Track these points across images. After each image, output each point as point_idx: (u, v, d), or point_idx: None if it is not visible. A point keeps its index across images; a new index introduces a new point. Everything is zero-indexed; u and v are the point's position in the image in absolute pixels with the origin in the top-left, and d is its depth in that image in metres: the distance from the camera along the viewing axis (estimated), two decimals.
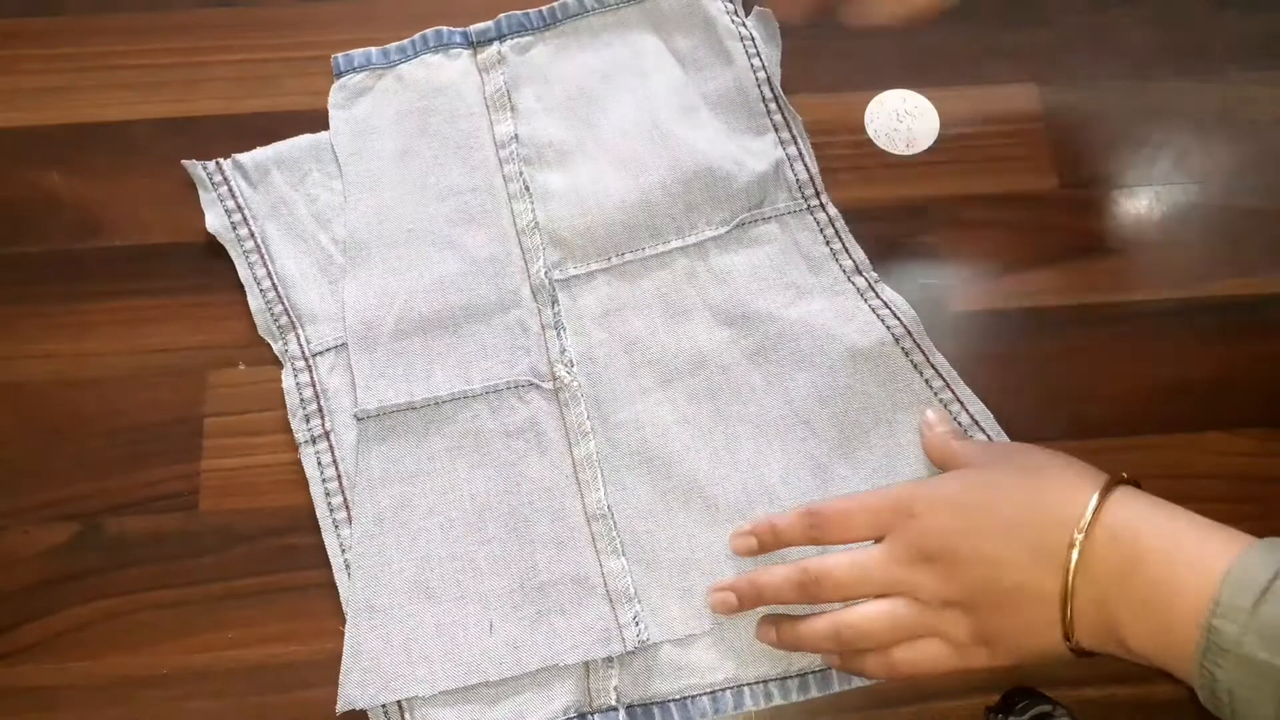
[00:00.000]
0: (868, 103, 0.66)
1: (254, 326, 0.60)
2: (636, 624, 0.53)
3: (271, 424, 0.58)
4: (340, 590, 0.55)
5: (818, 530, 0.52)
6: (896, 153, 0.65)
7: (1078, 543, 0.45)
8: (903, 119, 0.66)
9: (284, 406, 0.58)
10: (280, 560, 0.56)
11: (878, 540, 0.51)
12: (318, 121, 0.65)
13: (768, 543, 0.54)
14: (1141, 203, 0.64)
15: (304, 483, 0.57)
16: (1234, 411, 0.59)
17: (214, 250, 0.62)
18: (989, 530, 0.47)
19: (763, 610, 0.54)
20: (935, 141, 0.65)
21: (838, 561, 0.50)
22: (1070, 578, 0.45)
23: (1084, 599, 0.45)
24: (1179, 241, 0.63)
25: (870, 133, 0.66)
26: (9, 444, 0.58)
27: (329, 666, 0.53)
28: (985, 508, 0.48)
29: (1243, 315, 0.61)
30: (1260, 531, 0.43)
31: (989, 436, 0.57)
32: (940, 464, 0.55)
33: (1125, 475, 0.47)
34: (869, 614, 0.50)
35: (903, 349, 0.59)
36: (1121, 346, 0.61)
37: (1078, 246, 0.63)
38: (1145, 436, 0.58)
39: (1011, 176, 0.65)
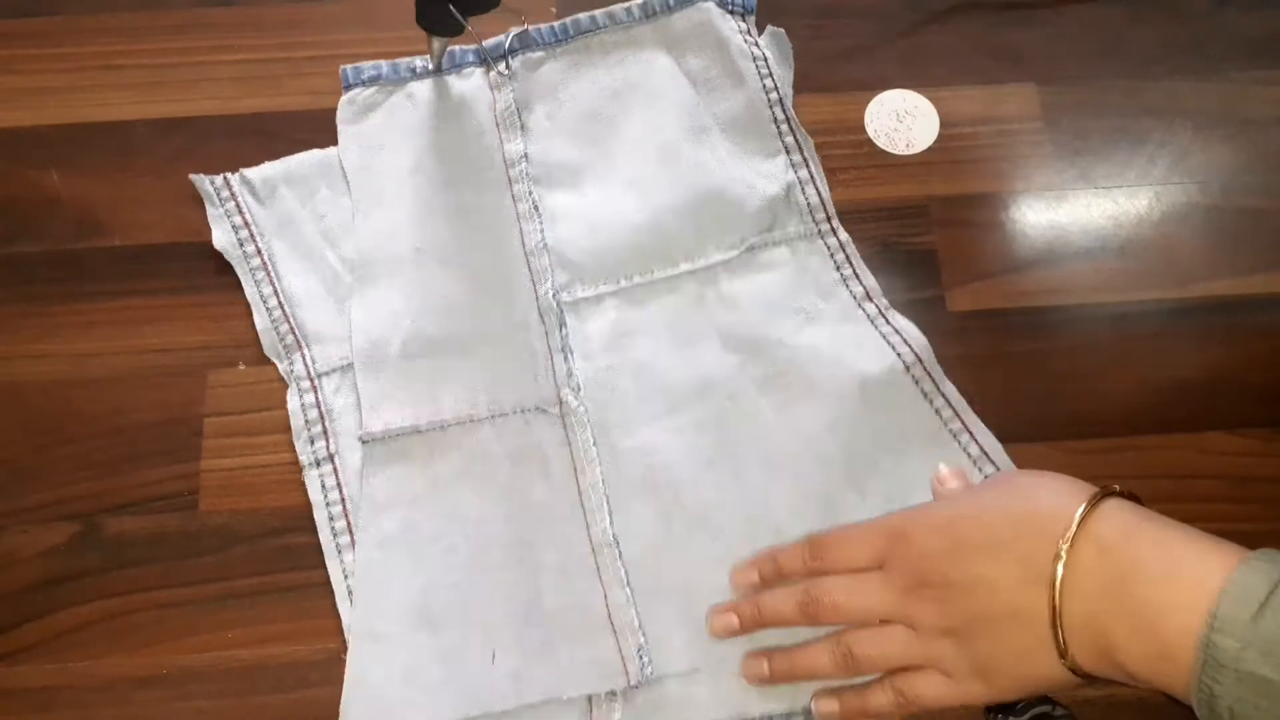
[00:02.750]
0: (868, 103, 0.66)
1: (254, 326, 0.60)
2: (641, 657, 0.52)
3: (271, 424, 0.58)
4: (342, 616, 0.54)
5: (818, 560, 0.51)
6: (896, 152, 0.65)
7: (1063, 554, 0.44)
8: (903, 119, 0.66)
9: (284, 405, 0.58)
10: (280, 560, 0.56)
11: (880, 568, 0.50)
12: (317, 121, 0.65)
13: (769, 576, 0.53)
14: (1141, 203, 0.64)
15: (304, 483, 0.57)
16: (1234, 411, 0.59)
17: (213, 250, 0.62)
18: (978, 551, 0.46)
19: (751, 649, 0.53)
20: (935, 141, 0.66)
21: (839, 584, 0.50)
22: (1057, 594, 0.44)
23: (1074, 616, 0.44)
24: (1179, 241, 0.63)
25: (870, 132, 0.66)
26: (8, 444, 0.58)
27: (329, 666, 0.53)
28: (973, 528, 0.47)
29: (1243, 315, 0.61)
30: (1262, 532, 0.43)
31: (998, 469, 0.56)
32: None
33: (1118, 487, 0.46)
34: (870, 636, 0.49)
35: (913, 377, 0.58)
36: (1121, 346, 0.61)
37: (1078, 247, 0.63)
38: (1145, 436, 0.58)
39: (1012, 176, 0.65)
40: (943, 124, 0.66)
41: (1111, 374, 0.60)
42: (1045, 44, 0.68)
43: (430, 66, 0.65)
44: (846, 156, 0.65)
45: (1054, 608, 0.44)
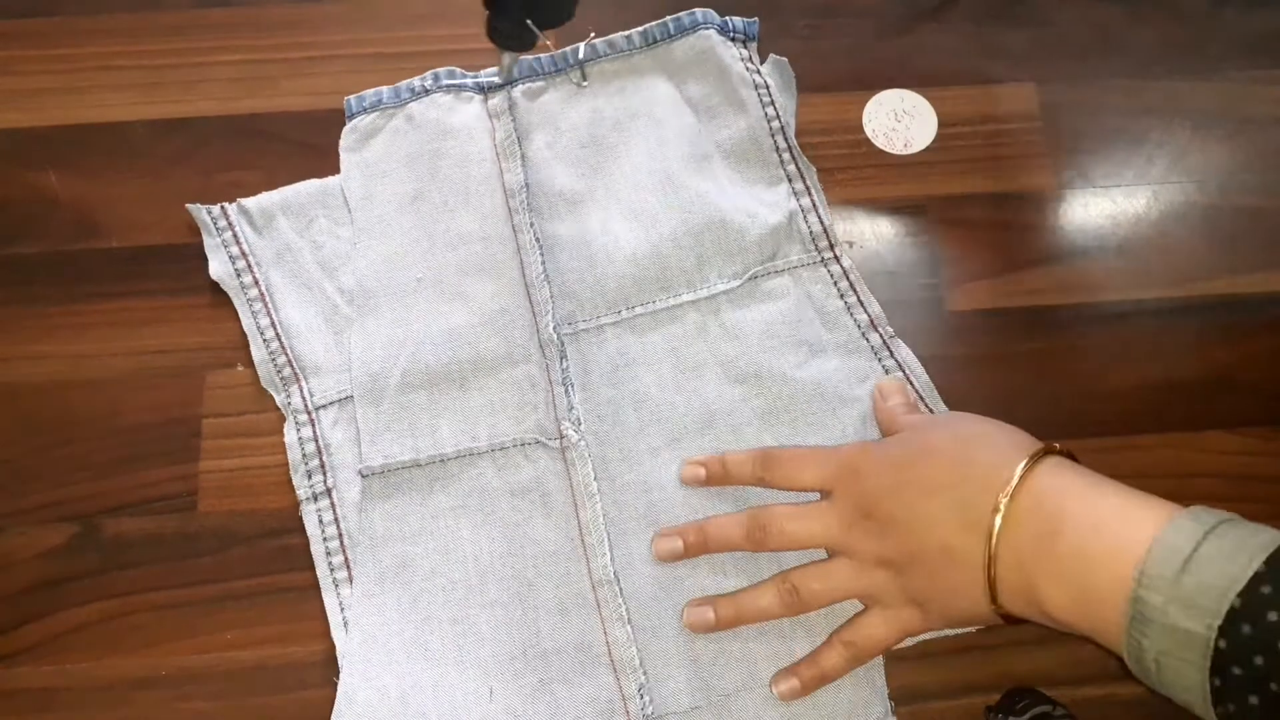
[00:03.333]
0: (866, 102, 0.66)
1: None
2: (641, 696, 0.52)
3: (269, 425, 0.58)
4: (338, 644, 0.54)
5: (767, 471, 0.54)
6: (895, 152, 0.65)
7: (1002, 507, 0.46)
8: (901, 118, 0.66)
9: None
10: (278, 561, 0.56)
11: (824, 495, 0.53)
12: (315, 122, 0.65)
13: (716, 476, 0.55)
14: (1140, 202, 0.64)
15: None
16: (1234, 411, 0.59)
17: None
18: (923, 491, 0.49)
19: (757, 687, 0.52)
20: (934, 141, 0.65)
21: (786, 512, 0.52)
22: (993, 543, 0.46)
23: (1006, 564, 0.46)
24: (1178, 240, 0.63)
25: (868, 132, 0.66)
26: (6, 445, 0.58)
27: (327, 667, 0.53)
28: (921, 469, 0.49)
29: (1242, 314, 0.61)
30: None
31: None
32: (889, 434, 0.55)
33: (1059, 445, 0.48)
34: (815, 570, 0.52)
35: None
36: (1121, 346, 0.61)
37: (1077, 246, 0.63)
38: (1145, 436, 0.58)
39: (1010, 176, 0.65)
40: (941, 123, 0.66)
41: (1110, 373, 0.60)
42: (1044, 43, 0.68)
43: (500, 79, 0.64)
44: (844, 156, 0.65)
45: (989, 556, 0.46)
